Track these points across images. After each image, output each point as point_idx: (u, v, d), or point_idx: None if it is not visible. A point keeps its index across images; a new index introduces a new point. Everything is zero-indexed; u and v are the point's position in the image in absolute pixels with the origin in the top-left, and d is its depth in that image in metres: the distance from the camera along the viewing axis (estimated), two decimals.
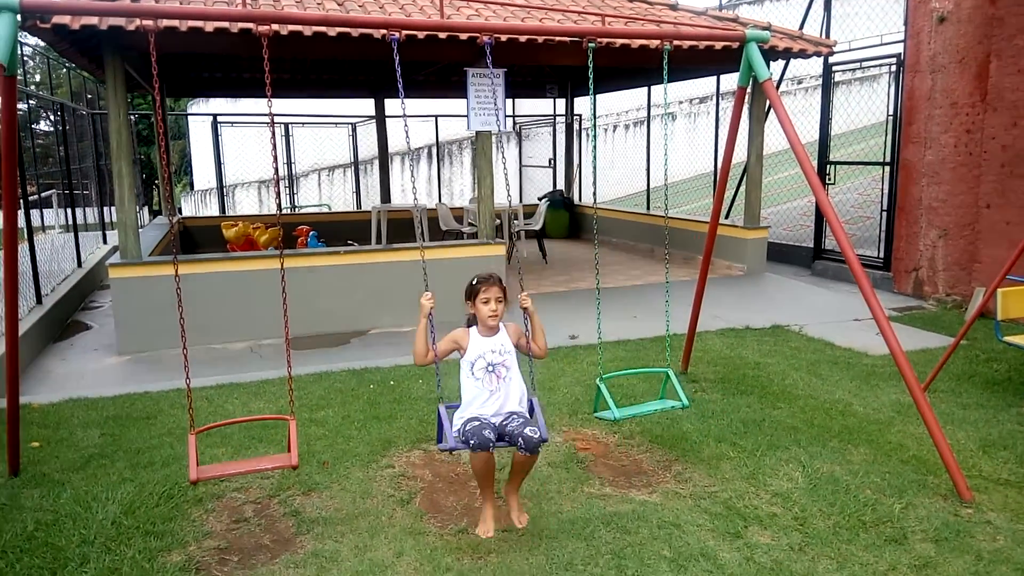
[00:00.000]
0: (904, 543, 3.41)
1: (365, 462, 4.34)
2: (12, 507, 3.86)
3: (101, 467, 4.31)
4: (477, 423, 3.38)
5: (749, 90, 9.70)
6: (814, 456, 4.34)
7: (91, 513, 3.75)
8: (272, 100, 3.60)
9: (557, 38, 7.55)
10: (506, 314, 3.61)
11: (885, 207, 9.43)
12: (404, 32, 3.45)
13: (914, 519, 3.63)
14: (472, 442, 3.27)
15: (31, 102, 14.81)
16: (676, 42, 8.01)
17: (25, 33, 6.77)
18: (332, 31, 6.86)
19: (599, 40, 7.72)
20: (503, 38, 7.31)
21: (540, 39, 7.46)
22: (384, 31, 3.40)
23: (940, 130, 8.25)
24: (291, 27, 6.76)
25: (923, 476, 4.07)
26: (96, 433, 4.83)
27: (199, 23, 6.57)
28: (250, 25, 5.59)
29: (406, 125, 4.05)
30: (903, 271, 8.91)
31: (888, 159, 9.35)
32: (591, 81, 3.89)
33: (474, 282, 3.57)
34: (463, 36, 7.15)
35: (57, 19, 6.18)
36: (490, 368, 3.51)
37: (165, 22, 6.51)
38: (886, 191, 9.40)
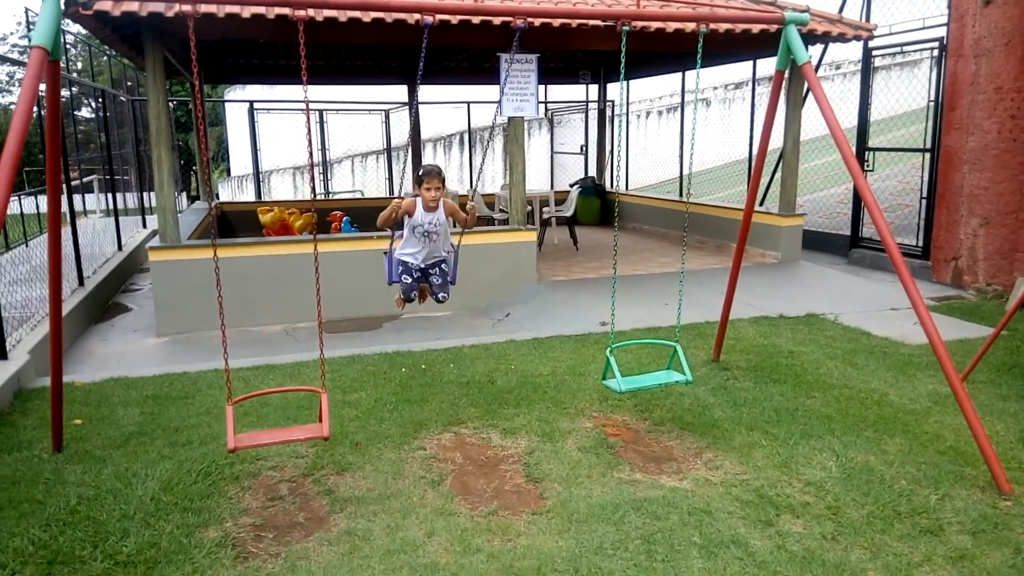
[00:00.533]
0: (940, 534, 3.37)
1: (397, 444, 4.39)
2: (56, 482, 3.98)
3: (140, 445, 4.42)
4: (409, 278, 4.72)
5: (787, 74, 9.58)
6: (848, 446, 4.29)
7: (131, 489, 3.85)
8: (307, 86, 3.64)
9: (591, 22, 7.51)
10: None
11: (925, 195, 9.24)
12: (438, 16, 3.44)
13: (951, 510, 3.57)
14: (402, 294, 4.81)
15: (73, 89, 15.10)
16: (712, 25, 7.96)
17: (67, 21, 6.90)
18: (367, 16, 6.89)
19: (633, 24, 7.69)
20: (536, 23, 7.29)
21: (574, 23, 7.41)
22: (418, 15, 3.39)
23: (983, 116, 8.05)
24: (326, 12, 6.81)
25: (960, 467, 4.01)
26: (136, 412, 4.95)
27: (236, 9, 6.64)
28: (286, 11, 5.66)
29: (413, 109, 4.06)
30: (942, 260, 8.73)
31: (928, 145, 9.14)
32: (623, 65, 3.86)
33: (420, 173, 4.67)
34: (496, 21, 7.16)
35: (99, 5, 6.29)
36: (424, 234, 4.69)
37: (203, 8, 6.61)
38: (926, 178, 9.21)
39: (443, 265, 4.85)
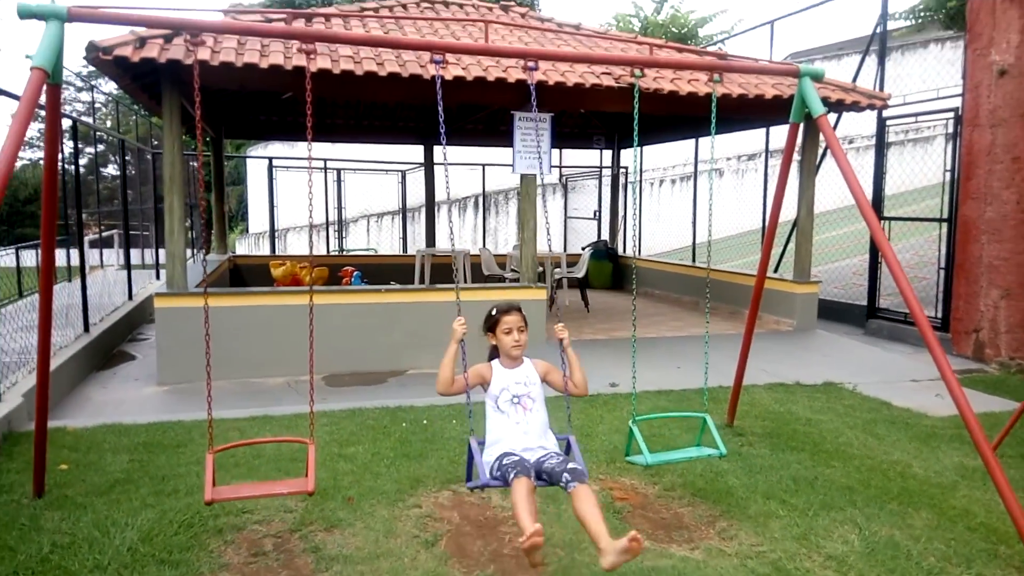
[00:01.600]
0: None
1: (392, 500, 4.17)
2: (31, 528, 3.78)
3: (125, 492, 4.22)
4: (515, 457, 3.24)
5: (800, 142, 9.57)
6: (871, 518, 4.03)
7: (108, 538, 3.65)
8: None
9: (604, 83, 7.54)
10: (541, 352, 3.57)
11: (943, 265, 9.07)
12: (451, 69, 3.40)
13: None
14: (512, 472, 3.12)
15: (100, 147, 15.37)
16: (725, 90, 8.00)
17: (101, 81, 7.01)
18: (382, 71, 6.94)
19: (646, 87, 7.73)
20: (550, 82, 7.34)
21: (587, 83, 7.44)
22: (431, 70, 3.35)
23: (1001, 186, 7.94)
24: (343, 66, 6.87)
25: (993, 545, 3.74)
26: (125, 459, 4.76)
27: (255, 59, 6.72)
28: (303, 62, 5.68)
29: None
30: (962, 332, 8.50)
31: (946, 215, 9.03)
32: (636, 111, 3.79)
33: (493, 312, 3.50)
34: (511, 79, 7.19)
35: (119, 51, 6.37)
36: (515, 400, 3.42)
37: (222, 57, 6.69)
38: (943, 249, 9.06)
39: (554, 454, 3.34)
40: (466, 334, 3.43)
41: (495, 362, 3.53)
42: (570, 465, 3.19)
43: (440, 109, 3.57)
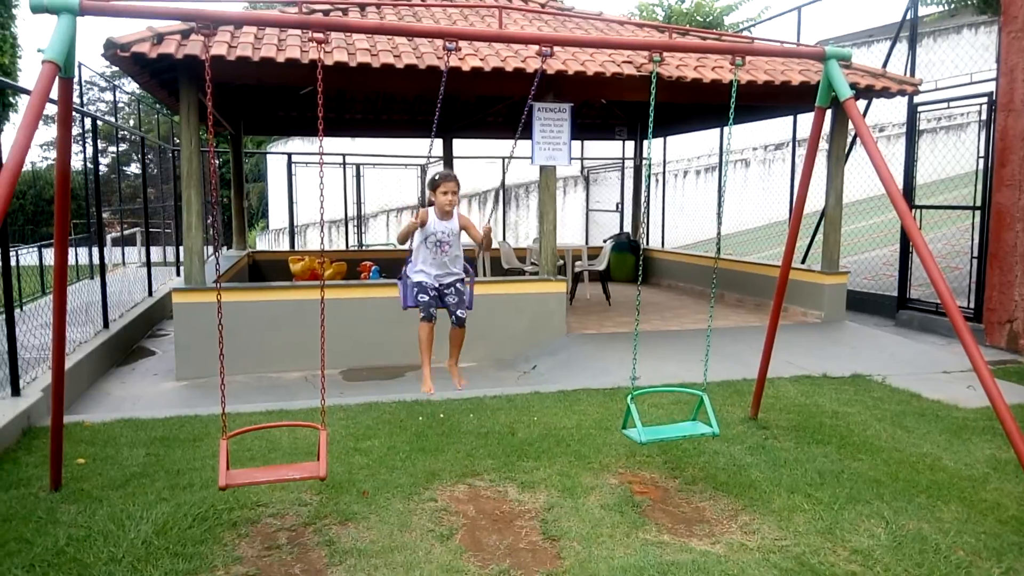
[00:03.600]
0: None
1: (407, 494, 4.12)
2: (48, 521, 3.78)
3: (140, 486, 4.21)
4: (426, 296, 4.70)
5: (827, 129, 9.36)
6: (899, 512, 3.90)
7: (123, 531, 3.63)
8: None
9: (625, 71, 7.42)
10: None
11: (975, 254, 8.83)
12: (463, 43, 3.32)
13: None
14: (422, 314, 4.66)
15: (122, 145, 15.48)
16: (749, 77, 7.83)
17: (124, 81, 7.04)
18: (400, 63, 6.88)
19: (668, 75, 7.58)
20: (570, 71, 7.24)
21: (608, 72, 7.32)
22: (442, 41, 3.28)
23: None
24: (360, 59, 6.82)
25: None
26: (141, 453, 4.76)
27: (271, 53, 6.69)
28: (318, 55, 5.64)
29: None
30: (996, 322, 8.26)
31: (979, 203, 8.79)
32: (652, 97, 3.68)
33: (436, 177, 4.72)
34: (529, 68, 7.09)
35: (137, 48, 6.39)
36: (438, 243, 4.72)
37: (239, 52, 6.67)
38: (976, 238, 8.82)
39: (459, 284, 4.83)
40: (425, 223, 4.70)
41: (431, 210, 4.73)
42: (459, 312, 4.78)
43: (440, 97, 3.65)
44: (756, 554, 3.48)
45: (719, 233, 4.70)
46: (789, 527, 3.75)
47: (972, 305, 8.77)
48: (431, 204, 4.77)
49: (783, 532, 3.70)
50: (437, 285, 4.76)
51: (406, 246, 4.81)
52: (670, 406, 5.75)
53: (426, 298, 4.69)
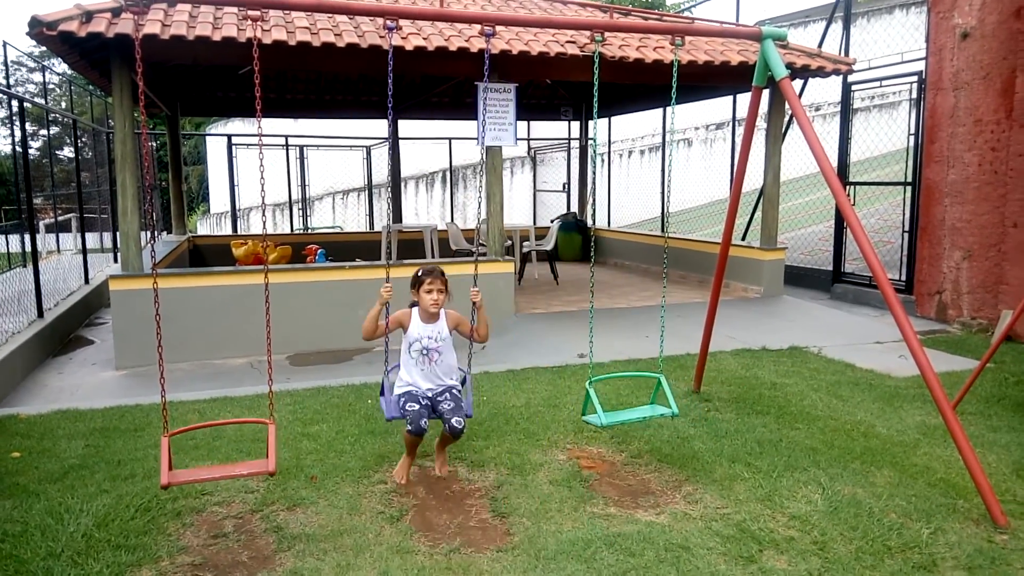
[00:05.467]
0: (934, 570, 3.13)
1: (356, 477, 4.11)
2: None
3: (80, 478, 4.11)
4: (415, 405, 3.90)
5: (765, 110, 9.55)
6: (834, 478, 4.05)
7: (62, 525, 3.55)
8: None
9: (568, 51, 7.43)
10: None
11: (907, 228, 9.16)
12: (404, 22, 3.28)
13: (944, 545, 3.33)
14: (409, 427, 3.84)
15: (53, 129, 14.90)
16: (690, 57, 7.93)
17: (54, 61, 6.74)
18: (340, 42, 6.77)
19: (611, 56, 7.63)
20: (514, 51, 7.22)
21: (552, 52, 7.33)
22: (383, 19, 3.24)
23: (964, 148, 8.00)
24: (299, 37, 6.69)
25: (952, 500, 3.78)
26: (80, 444, 4.64)
27: (207, 32, 6.51)
28: (255, 34, 5.51)
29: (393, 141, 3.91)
30: (926, 294, 8.60)
31: (910, 179, 9.09)
32: (596, 77, 3.70)
33: (419, 273, 4.05)
34: (473, 48, 7.06)
35: (64, 26, 6.13)
36: (424, 352, 4.02)
37: (172, 31, 6.47)
38: (907, 213, 9.14)
39: (454, 391, 4.08)
40: (390, 298, 3.97)
41: (415, 311, 4.07)
42: (454, 420, 3.90)
43: (390, 80, 3.45)
44: (699, 523, 3.58)
45: (664, 212, 4.72)
46: (730, 496, 3.87)
47: (904, 278, 9.10)
48: (413, 305, 4.11)
49: (725, 500, 3.81)
50: (429, 395, 4.03)
51: (373, 341, 4.10)
52: (618, 382, 5.83)
53: (416, 407, 3.89)
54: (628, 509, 3.75)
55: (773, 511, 3.68)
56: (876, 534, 3.43)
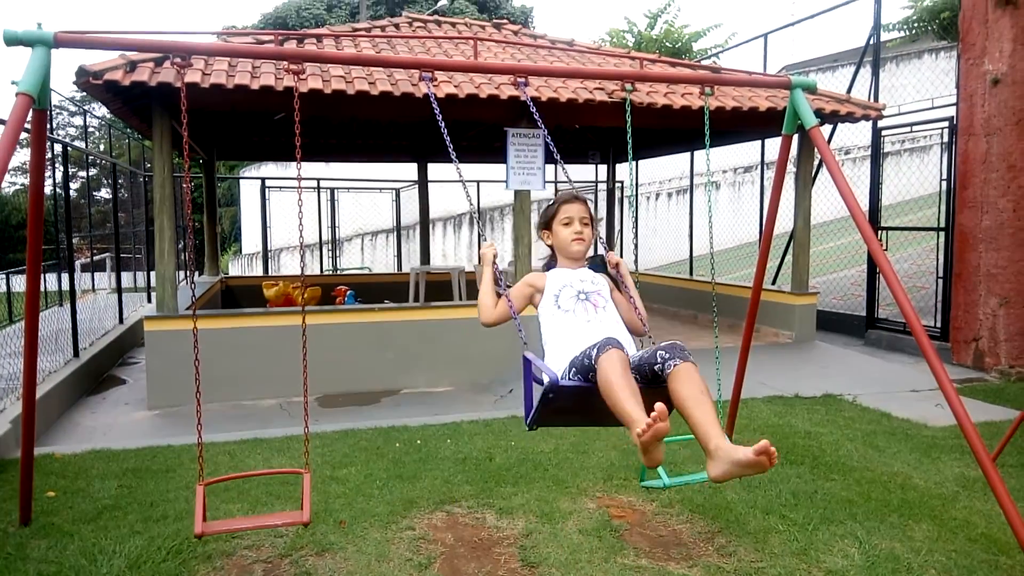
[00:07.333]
0: None
1: (384, 523, 4.10)
2: (17, 557, 3.70)
3: (113, 519, 4.15)
4: (574, 369, 2.51)
5: (794, 154, 9.56)
6: (872, 532, 3.96)
7: (95, 566, 3.57)
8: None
9: (597, 98, 7.54)
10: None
11: (941, 274, 9.04)
12: (439, 73, 3.37)
13: None
14: (595, 350, 2.35)
15: (92, 171, 15.31)
16: (718, 104, 7.99)
17: (94, 105, 7.00)
18: (374, 90, 6.93)
19: (639, 102, 7.72)
20: (543, 98, 7.33)
21: (580, 99, 7.44)
22: (418, 71, 3.32)
23: (997, 194, 7.92)
24: (335, 86, 6.86)
25: (994, 556, 3.66)
26: (113, 485, 4.69)
27: (245, 80, 6.70)
28: (293, 82, 5.67)
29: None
30: (962, 341, 8.44)
31: (943, 224, 9.01)
32: (628, 125, 3.75)
33: (554, 203, 2.94)
34: (503, 96, 7.18)
35: (109, 75, 6.36)
36: (582, 295, 2.76)
37: (212, 79, 6.67)
38: (941, 259, 9.03)
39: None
40: (497, 256, 2.98)
41: (549, 272, 2.98)
42: (662, 345, 2.44)
43: (442, 126, 3.27)
44: None
45: (711, 256, 4.62)
46: (765, 548, 3.79)
47: (939, 324, 8.95)
48: (549, 265, 3.07)
49: (759, 554, 3.74)
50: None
51: (496, 320, 2.96)
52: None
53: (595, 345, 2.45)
54: (660, 561, 3.69)
55: (809, 566, 3.60)
56: None
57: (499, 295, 2.87)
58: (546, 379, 2.46)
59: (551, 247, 2.99)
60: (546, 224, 2.98)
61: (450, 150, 3.11)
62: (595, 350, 2.35)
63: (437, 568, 3.62)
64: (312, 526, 4.01)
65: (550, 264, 3.01)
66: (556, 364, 2.64)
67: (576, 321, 2.69)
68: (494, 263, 2.94)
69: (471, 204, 3.14)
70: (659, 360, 2.38)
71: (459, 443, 5.51)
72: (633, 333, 2.85)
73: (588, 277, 2.88)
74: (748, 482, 4.67)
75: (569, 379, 2.49)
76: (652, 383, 2.42)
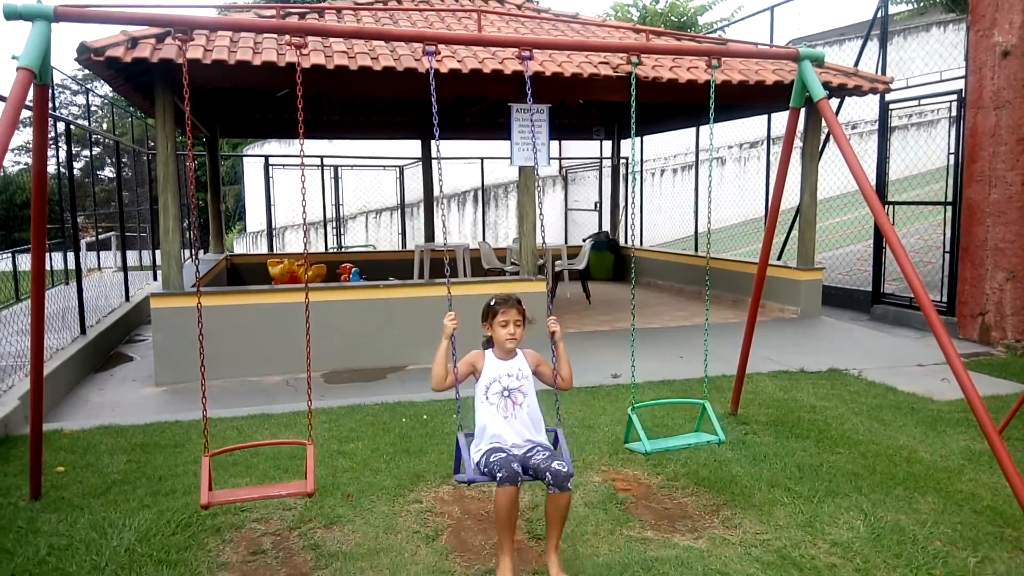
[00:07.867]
0: None
1: (392, 496, 4.13)
2: (28, 531, 3.74)
3: (122, 493, 4.19)
4: (503, 454, 3.20)
5: (801, 128, 9.48)
6: (877, 504, 3.97)
7: (106, 539, 3.61)
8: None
9: (602, 72, 7.47)
10: (527, 339, 3.49)
11: (948, 249, 8.99)
12: (443, 47, 3.34)
13: (991, 574, 3.25)
14: (499, 474, 3.07)
15: (95, 150, 15.29)
16: (724, 77, 7.91)
17: (97, 83, 6.96)
18: (377, 65, 6.87)
19: (644, 76, 7.65)
20: (547, 73, 7.27)
21: (585, 73, 7.37)
22: (420, 45, 3.29)
23: (1006, 167, 7.86)
24: (338, 61, 6.81)
25: (999, 528, 3.68)
26: (122, 460, 4.73)
27: (247, 56, 6.65)
28: (295, 58, 5.63)
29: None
30: (968, 315, 8.42)
31: (950, 199, 8.95)
32: (633, 99, 3.72)
33: (492, 303, 3.43)
34: (507, 71, 7.12)
35: (111, 52, 6.32)
36: (505, 393, 3.34)
37: (214, 55, 6.63)
38: (948, 233, 8.98)
39: (543, 446, 3.33)
40: (456, 329, 3.37)
41: (488, 351, 3.46)
42: (555, 464, 3.13)
43: (434, 101, 3.42)
44: (738, 548, 3.53)
45: (708, 231, 4.62)
46: (770, 521, 3.81)
47: (945, 299, 8.93)
48: (487, 344, 3.45)
49: (764, 526, 3.76)
50: (518, 453, 3.25)
51: (444, 388, 3.35)
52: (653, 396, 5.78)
53: (503, 455, 3.18)
54: (665, 533, 3.71)
55: (814, 537, 3.62)
56: (920, 562, 3.35)
57: (447, 370, 3.37)
58: (463, 467, 3.32)
59: (489, 337, 3.45)
60: (486, 319, 3.43)
61: (436, 131, 3.48)
62: (501, 472, 3.07)
63: (444, 540, 3.65)
64: (320, 499, 4.04)
65: (488, 345, 3.47)
66: (478, 445, 3.35)
67: (497, 417, 3.32)
68: (452, 337, 3.35)
69: (441, 185, 3.13)
70: (547, 479, 3.12)
71: (465, 418, 5.52)
72: (557, 388, 3.50)
73: (515, 371, 3.38)
74: (753, 455, 4.69)
75: (483, 467, 3.22)
76: (536, 479, 3.23)
